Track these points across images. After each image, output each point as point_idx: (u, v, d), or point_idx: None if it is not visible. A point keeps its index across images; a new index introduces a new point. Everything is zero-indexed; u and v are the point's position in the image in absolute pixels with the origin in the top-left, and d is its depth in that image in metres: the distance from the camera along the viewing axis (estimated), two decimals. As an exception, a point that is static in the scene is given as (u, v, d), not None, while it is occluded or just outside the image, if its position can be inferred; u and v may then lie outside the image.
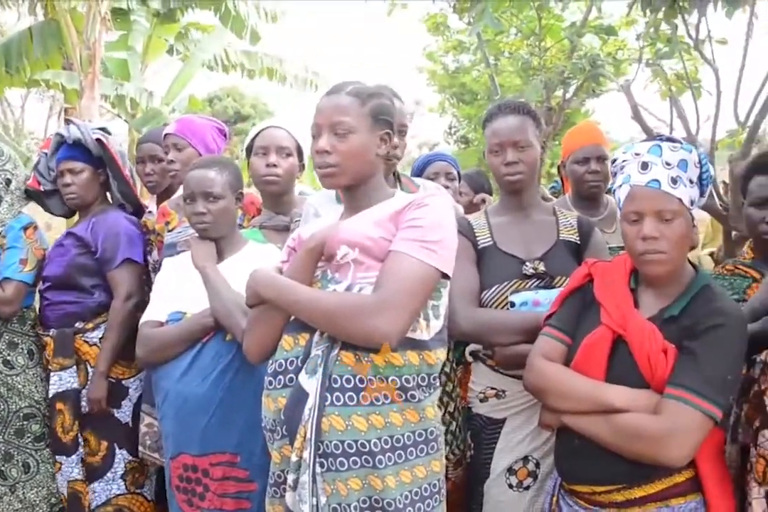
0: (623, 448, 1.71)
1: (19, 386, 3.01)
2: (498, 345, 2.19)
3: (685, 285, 1.82)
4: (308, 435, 1.70)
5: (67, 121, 3.23)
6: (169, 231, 2.99)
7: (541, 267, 2.24)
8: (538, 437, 2.18)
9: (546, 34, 5.08)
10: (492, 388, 2.27)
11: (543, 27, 4.98)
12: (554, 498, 1.95)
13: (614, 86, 3.94)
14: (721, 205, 3.15)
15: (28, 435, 3.02)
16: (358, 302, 1.71)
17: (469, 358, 2.37)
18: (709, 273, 2.23)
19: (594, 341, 1.81)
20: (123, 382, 2.95)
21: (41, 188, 3.20)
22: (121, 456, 2.93)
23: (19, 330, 3.07)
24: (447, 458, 2.31)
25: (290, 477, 1.74)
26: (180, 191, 2.72)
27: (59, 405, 2.92)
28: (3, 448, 2.99)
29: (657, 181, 1.76)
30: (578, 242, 2.33)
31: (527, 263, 2.25)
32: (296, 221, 2.56)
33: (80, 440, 2.92)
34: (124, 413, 2.95)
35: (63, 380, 2.93)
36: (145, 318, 2.47)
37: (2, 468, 2.98)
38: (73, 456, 2.91)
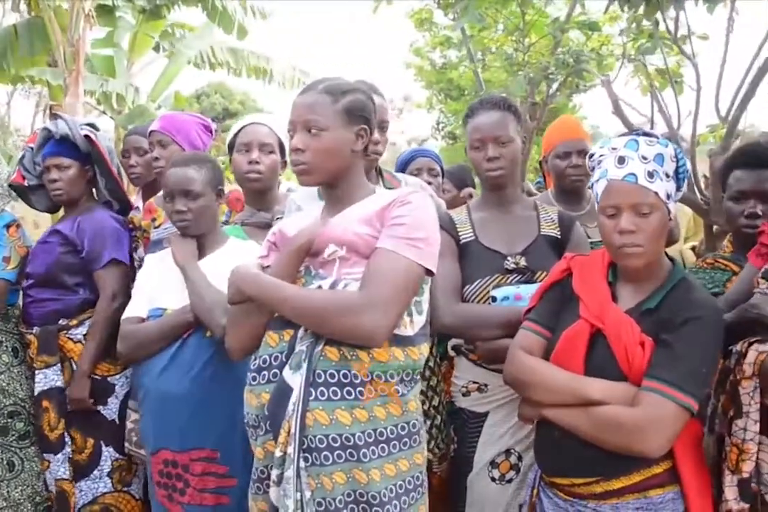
0: (601, 440, 1.73)
1: (3, 384, 3.01)
2: (480, 340, 2.20)
3: (663, 279, 1.84)
4: (292, 430, 1.71)
5: (55, 116, 3.21)
6: (156, 227, 2.99)
7: (523, 262, 2.26)
8: (520, 430, 2.20)
9: (530, 29, 5.11)
10: (474, 382, 2.29)
11: (527, 23, 5.00)
12: (535, 491, 1.97)
13: (599, 81, 3.95)
14: (702, 199, 3.18)
15: (13, 433, 3.01)
16: (346, 300, 1.71)
17: (452, 353, 2.39)
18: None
19: (573, 334, 1.83)
20: (109, 379, 2.94)
21: (26, 183, 3.18)
22: (108, 453, 2.92)
23: (2, 328, 3.07)
24: (432, 452, 2.35)
25: (274, 473, 1.75)
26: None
27: (45, 403, 2.92)
28: (-13, 447, 2.98)
29: (634, 175, 1.77)
30: (559, 237, 2.34)
31: (508, 258, 2.27)
32: (278, 218, 2.56)
33: (67, 438, 2.91)
34: (110, 410, 2.94)
35: (48, 378, 2.92)
36: (126, 314, 2.48)
37: (-14, 467, 2.98)
38: (60, 455, 2.90)
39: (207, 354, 2.32)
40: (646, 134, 1.91)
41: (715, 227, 3.20)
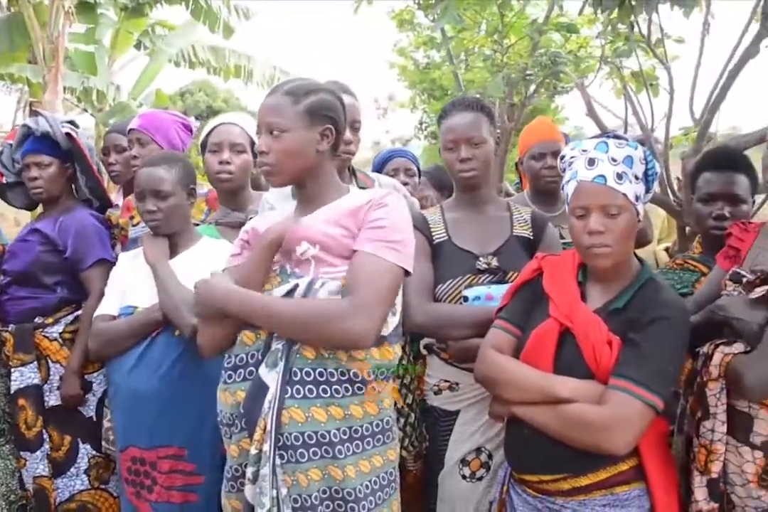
0: (569, 437, 1.75)
1: (-22, 382, 2.99)
2: (451, 339, 2.22)
3: (631, 279, 1.86)
4: (268, 428, 1.73)
5: (35, 113, 3.19)
6: (134, 226, 2.99)
7: (495, 263, 2.28)
8: (490, 429, 2.22)
9: (509, 31, 5.14)
10: (446, 381, 2.30)
11: (506, 24, 5.03)
12: (504, 488, 1.99)
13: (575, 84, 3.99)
14: (675, 201, 3.22)
15: (-12, 431, 3.00)
16: (335, 308, 1.73)
17: (424, 351, 2.40)
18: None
19: (542, 333, 1.85)
20: (86, 377, 2.93)
21: (4, 180, 3.16)
22: (85, 450, 2.91)
23: (-23, 326, 3.04)
24: (407, 450, 2.36)
25: (249, 470, 1.76)
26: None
27: (21, 402, 2.90)
28: (-39, 445, 2.96)
29: (603, 176, 1.80)
30: (531, 237, 2.37)
31: (481, 258, 2.28)
32: (251, 218, 2.57)
33: (45, 436, 2.90)
34: (87, 408, 2.93)
35: (24, 376, 2.90)
36: (98, 311, 2.50)
37: (-40, 465, 2.96)
38: (38, 452, 2.88)
39: (176, 353, 2.34)
40: (616, 137, 1.94)
41: (688, 228, 3.24)
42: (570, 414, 1.74)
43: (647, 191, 1.90)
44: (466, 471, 2.24)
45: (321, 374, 1.76)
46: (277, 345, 1.78)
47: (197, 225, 2.69)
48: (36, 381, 2.90)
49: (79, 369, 2.89)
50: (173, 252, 2.47)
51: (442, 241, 2.34)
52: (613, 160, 1.82)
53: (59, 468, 2.90)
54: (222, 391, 1.88)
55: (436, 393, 2.32)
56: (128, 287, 2.47)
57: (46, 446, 2.90)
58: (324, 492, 1.76)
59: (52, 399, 2.92)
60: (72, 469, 2.90)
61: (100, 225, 3.06)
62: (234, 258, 1.98)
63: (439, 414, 2.32)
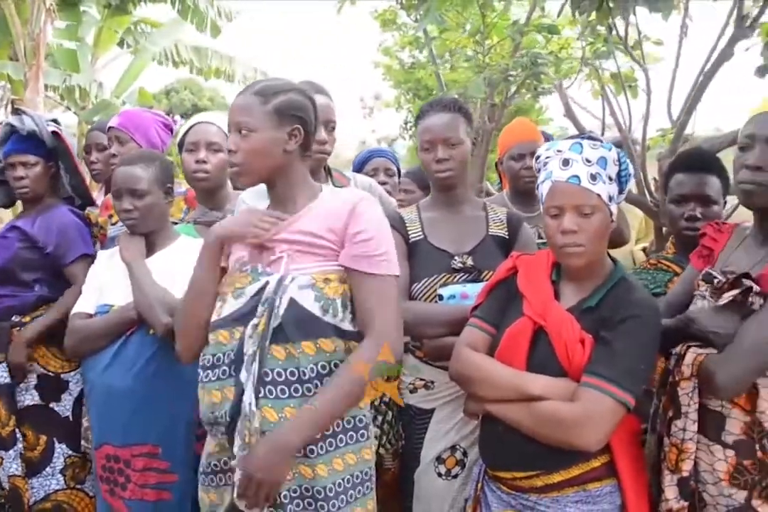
0: (541, 434, 1.77)
1: (-49, 380, 2.96)
2: (426, 337, 2.24)
3: (604, 278, 1.88)
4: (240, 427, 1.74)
5: (16, 111, 3.16)
6: (113, 224, 2.98)
7: (470, 262, 2.29)
8: (465, 426, 2.23)
9: (491, 32, 5.16)
10: (421, 379, 2.32)
11: (487, 25, 5.06)
12: (479, 485, 2.00)
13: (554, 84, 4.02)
14: (652, 202, 3.24)
15: (-39, 430, 2.97)
16: (373, 354, 1.80)
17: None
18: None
19: (516, 331, 1.87)
20: (62, 376, 2.92)
21: None
22: (61, 450, 2.89)
23: (-48, 324, 3.02)
24: (384, 447, 2.37)
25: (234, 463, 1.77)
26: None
27: (-8, 400, 2.88)
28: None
29: (577, 176, 1.82)
30: (507, 237, 2.38)
31: (456, 257, 2.30)
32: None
33: (18, 435, 2.87)
34: (63, 407, 2.91)
35: (-4, 374, 2.90)
36: (75, 309, 2.49)
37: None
38: (11, 451, 2.86)
39: (150, 351, 2.35)
40: (591, 138, 1.96)
41: (664, 229, 3.26)
42: (542, 412, 1.75)
43: (620, 192, 1.92)
44: (442, 469, 2.25)
45: (293, 373, 1.77)
46: (249, 346, 1.78)
47: (176, 224, 2.69)
48: (8, 380, 2.87)
49: (29, 339, 2.86)
50: (150, 250, 2.47)
51: (418, 240, 2.36)
52: (587, 160, 1.84)
53: (34, 467, 2.87)
54: (200, 389, 1.89)
55: (411, 392, 2.33)
56: (105, 285, 2.47)
57: (20, 445, 2.87)
58: (294, 490, 1.77)
59: (28, 399, 2.90)
60: (47, 469, 2.88)
61: (81, 221, 3.04)
62: None
63: (414, 412, 2.33)
